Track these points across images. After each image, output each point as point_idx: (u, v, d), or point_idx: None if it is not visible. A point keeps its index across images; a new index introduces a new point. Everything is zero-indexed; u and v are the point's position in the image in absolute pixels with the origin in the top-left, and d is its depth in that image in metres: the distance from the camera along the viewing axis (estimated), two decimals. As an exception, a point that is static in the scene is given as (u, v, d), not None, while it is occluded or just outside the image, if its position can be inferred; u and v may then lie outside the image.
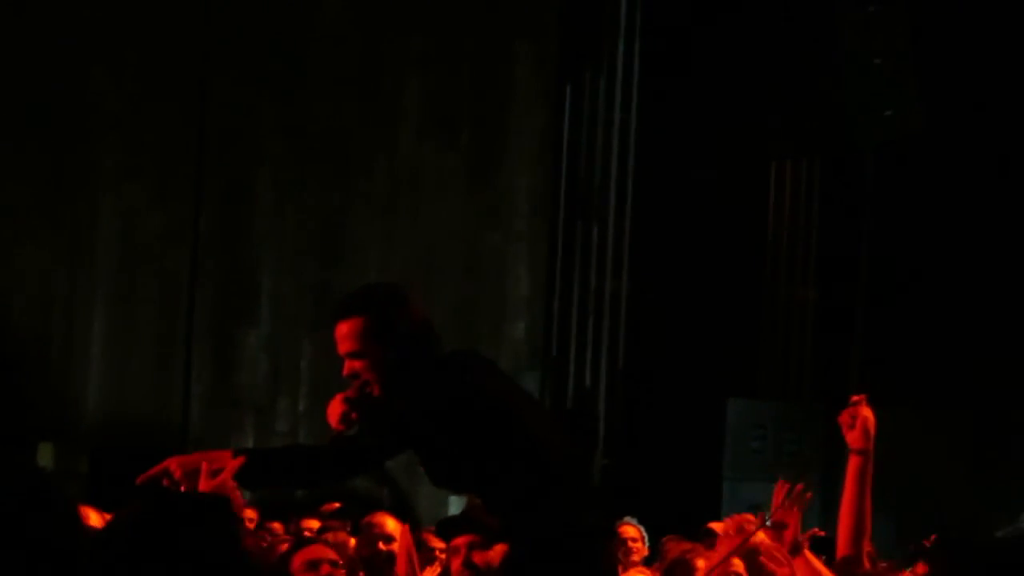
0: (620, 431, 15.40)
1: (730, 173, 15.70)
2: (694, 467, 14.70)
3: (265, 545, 8.20)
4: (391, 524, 7.75)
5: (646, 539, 9.69)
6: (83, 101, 16.00)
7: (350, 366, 5.30)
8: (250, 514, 10.01)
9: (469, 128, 15.98)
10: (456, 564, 5.62)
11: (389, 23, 16.03)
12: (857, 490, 5.70)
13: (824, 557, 6.20)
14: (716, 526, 9.92)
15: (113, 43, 15.88)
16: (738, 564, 6.10)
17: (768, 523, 5.81)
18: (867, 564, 6.20)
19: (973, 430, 14.83)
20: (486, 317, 15.66)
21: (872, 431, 5.74)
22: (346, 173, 16.12)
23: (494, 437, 5.25)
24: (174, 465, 4.96)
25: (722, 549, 6.16)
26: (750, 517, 6.18)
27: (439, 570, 7.56)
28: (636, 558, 9.20)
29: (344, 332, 5.31)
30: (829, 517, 6.02)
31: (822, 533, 6.25)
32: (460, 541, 5.60)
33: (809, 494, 5.87)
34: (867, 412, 5.75)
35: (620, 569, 7.70)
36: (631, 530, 9.61)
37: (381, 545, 7.64)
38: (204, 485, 4.79)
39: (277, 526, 10.45)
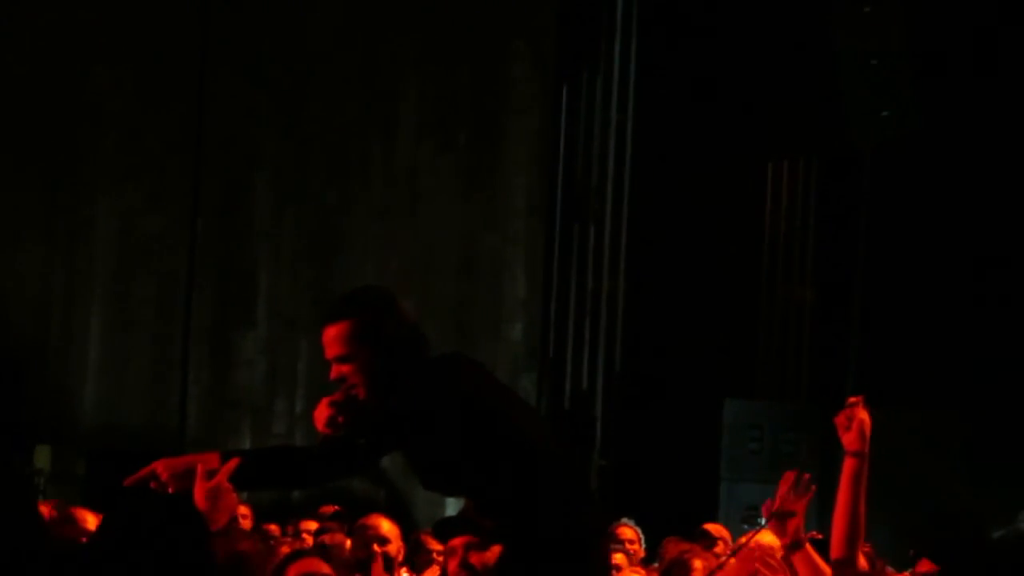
0: (617, 432, 15.41)
1: (727, 173, 15.70)
2: (691, 468, 14.70)
3: (262, 548, 8.19)
4: (385, 526, 7.76)
5: (643, 540, 9.70)
6: (81, 103, 16.01)
7: (338, 370, 5.31)
8: (243, 510, 10.01)
9: (466, 129, 15.99)
10: (453, 565, 5.62)
11: (387, 24, 16.03)
12: (852, 491, 5.70)
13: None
14: (712, 527, 9.94)
15: (112, 45, 15.89)
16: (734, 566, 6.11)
17: (772, 513, 5.81)
18: (866, 565, 6.21)
19: (971, 430, 14.82)
20: (483, 318, 15.66)
21: (868, 433, 5.74)
22: (343, 174, 16.12)
23: (483, 440, 5.26)
24: (161, 468, 4.98)
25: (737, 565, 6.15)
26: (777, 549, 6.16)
27: (437, 572, 7.57)
28: (633, 559, 9.21)
29: (332, 336, 5.32)
30: (825, 518, 6.02)
31: (819, 536, 6.25)
32: (457, 542, 5.60)
33: (815, 486, 5.87)
34: (863, 414, 5.75)
35: (616, 570, 7.72)
36: (628, 531, 9.62)
37: (376, 547, 7.65)
38: (200, 487, 4.80)
39: (274, 528, 10.45)
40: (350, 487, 12.48)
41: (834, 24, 15.22)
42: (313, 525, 10.20)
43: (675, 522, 9.84)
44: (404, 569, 7.87)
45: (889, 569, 8.47)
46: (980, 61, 14.99)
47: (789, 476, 5.84)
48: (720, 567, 6.34)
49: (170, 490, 4.89)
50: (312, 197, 16.09)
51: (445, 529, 5.67)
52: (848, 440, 5.75)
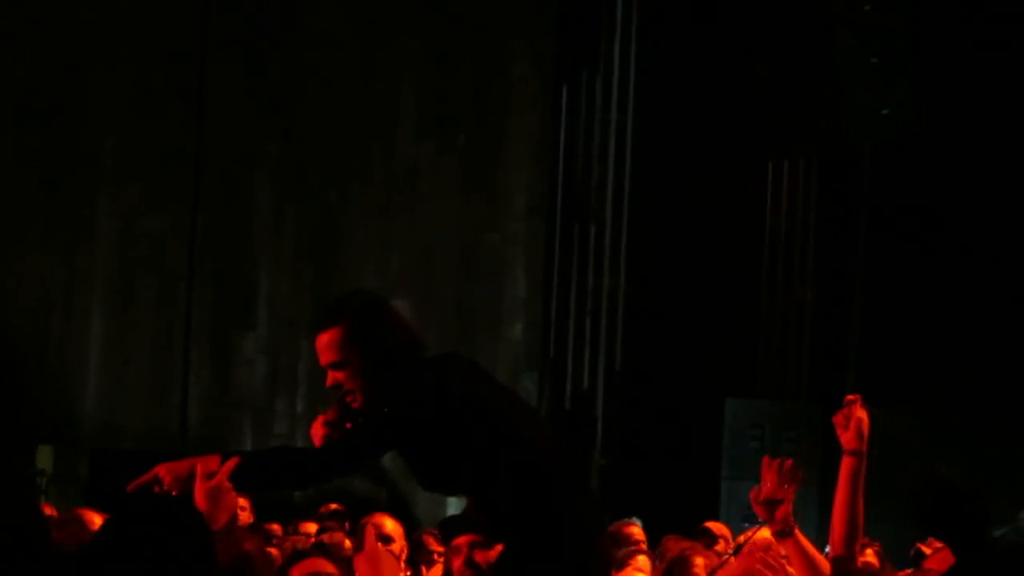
0: (618, 431, 15.41)
1: (727, 173, 15.69)
2: (692, 467, 14.70)
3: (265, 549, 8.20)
4: (389, 524, 7.77)
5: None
6: (81, 103, 16.02)
7: (333, 377, 5.32)
8: (242, 502, 10.01)
9: (466, 129, 15.99)
10: (458, 563, 5.63)
11: (386, 24, 16.04)
12: (850, 491, 5.72)
13: None
14: (713, 525, 9.94)
15: (112, 45, 15.90)
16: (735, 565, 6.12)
17: (760, 501, 5.83)
18: (876, 562, 6.23)
19: (971, 430, 14.82)
20: (484, 318, 15.67)
21: (866, 432, 5.76)
22: (344, 174, 16.13)
23: (479, 439, 5.27)
24: (163, 471, 4.99)
25: (741, 563, 6.16)
26: (769, 538, 6.17)
27: (440, 572, 7.57)
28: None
29: (324, 343, 5.33)
30: (826, 517, 6.03)
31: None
32: (461, 540, 5.61)
33: (801, 472, 5.88)
34: (861, 413, 5.76)
35: (625, 568, 7.72)
36: (635, 531, 9.62)
37: (380, 546, 7.65)
38: (199, 487, 4.81)
39: (276, 527, 10.45)
40: (351, 487, 12.48)
41: (834, 23, 15.22)
42: (313, 527, 10.20)
43: (676, 521, 9.84)
44: (407, 572, 7.87)
45: (889, 569, 8.48)
46: (980, 60, 14.99)
47: (774, 464, 5.86)
48: (721, 565, 6.35)
49: (173, 493, 4.90)
50: (312, 197, 16.10)
51: (450, 528, 5.68)
52: (846, 439, 5.76)
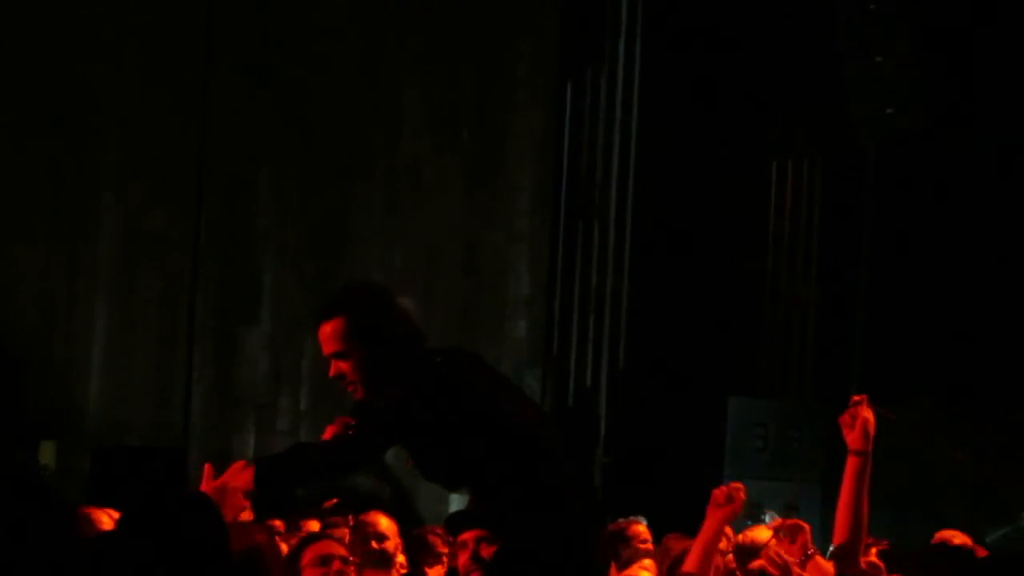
0: (621, 429, 15.41)
1: (731, 172, 15.70)
2: (695, 465, 14.70)
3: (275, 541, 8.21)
4: (384, 522, 7.77)
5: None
6: (84, 100, 16.02)
7: (336, 367, 5.35)
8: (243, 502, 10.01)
9: (470, 127, 15.99)
10: (464, 558, 5.64)
11: (390, 22, 16.04)
12: (855, 490, 5.73)
13: None
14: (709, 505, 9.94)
15: (115, 42, 15.90)
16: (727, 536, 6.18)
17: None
18: (881, 564, 6.23)
19: (974, 429, 14.82)
20: (487, 316, 15.67)
21: (872, 432, 5.77)
22: (347, 172, 16.13)
23: (480, 431, 5.29)
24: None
25: (710, 518, 6.21)
26: (739, 485, 6.25)
27: (444, 571, 7.57)
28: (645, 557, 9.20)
29: (327, 333, 5.36)
30: (829, 515, 6.04)
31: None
32: (468, 535, 5.62)
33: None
34: (867, 413, 5.77)
35: (631, 567, 7.72)
36: (641, 529, 9.62)
37: (374, 543, 7.66)
38: (206, 486, 4.87)
39: (279, 523, 10.45)
40: (354, 484, 12.48)
41: (839, 22, 15.22)
42: (316, 525, 10.20)
43: (678, 519, 9.84)
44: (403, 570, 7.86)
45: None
46: (984, 58, 14.99)
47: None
48: (716, 535, 6.37)
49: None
50: (316, 194, 16.10)
51: (456, 523, 5.70)
52: (852, 439, 5.77)
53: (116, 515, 7.21)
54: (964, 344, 14.93)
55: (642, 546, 9.41)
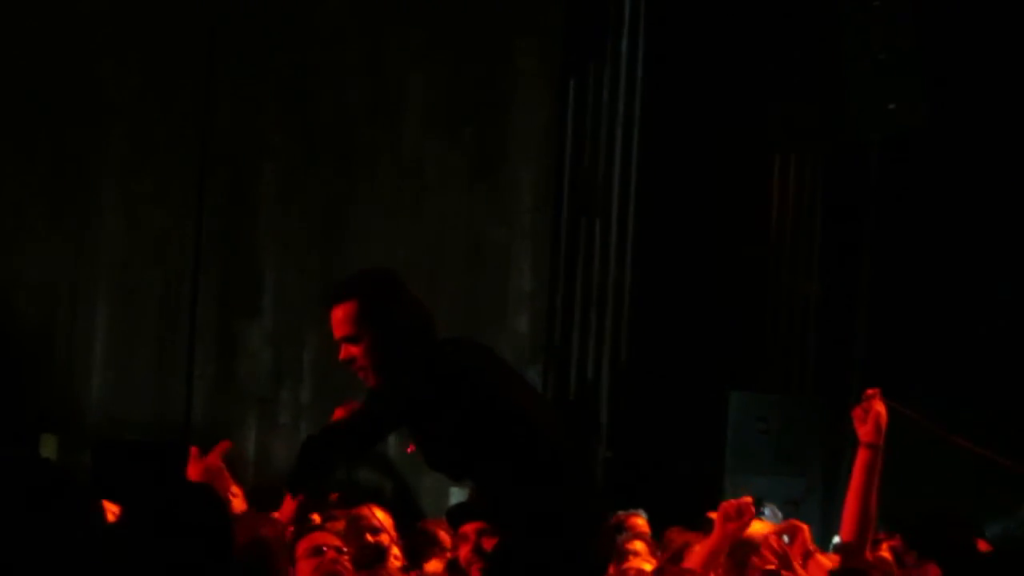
0: (622, 423, 15.41)
1: (733, 166, 15.71)
2: (696, 459, 14.71)
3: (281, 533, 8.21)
4: (379, 515, 7.76)
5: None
6: (86, 95, 16.00)
7: (346, 350, 5.36)
8: (235, 490, 10.01)
9: (472, 122, 15.98)
10: (465, 550, 5.65)
11: (392, 17, 16.03)
12: (865, 483, 5.74)
13: None
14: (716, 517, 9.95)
15: (117, 36, 15.88)
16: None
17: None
18: (890, 557, 6.23)
19: (979, 425, 14.81)
20: (489, 311, 15.66)
21: (884, 426, 5.78)
22: (350, 167, 16.12)
23: (486, 421, 5.29)
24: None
25: (718, 531, 6.20)
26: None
27: (441, 566, 7.57)
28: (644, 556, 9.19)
29: (339, 316, 5.38)
30: (830, 509, 6.05)
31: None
32: (469, 528, 5.63)
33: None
34: (880, 407, 5.79)
35: (629, 559, 7.72)
36: (640, 522, 9.62)
37: (368, 537, 7.64)
38: (193, 468, 4.91)
39: (278, 516, 10.44)
40: (356, 477, 12.47)
41: (843, 17, 15.21)
42: (316, 518, 10.19)
43: (680, 513, 9.84)
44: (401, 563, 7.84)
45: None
46: (988, 54, 14.98)
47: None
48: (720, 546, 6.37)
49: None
50: (318, 189, 16.08)
51: (457, 516, 5.71)
52: (864, 432, 5.79)
53: (117, 510, 7.22)
54: (969, 339, 14.92)
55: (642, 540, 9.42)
